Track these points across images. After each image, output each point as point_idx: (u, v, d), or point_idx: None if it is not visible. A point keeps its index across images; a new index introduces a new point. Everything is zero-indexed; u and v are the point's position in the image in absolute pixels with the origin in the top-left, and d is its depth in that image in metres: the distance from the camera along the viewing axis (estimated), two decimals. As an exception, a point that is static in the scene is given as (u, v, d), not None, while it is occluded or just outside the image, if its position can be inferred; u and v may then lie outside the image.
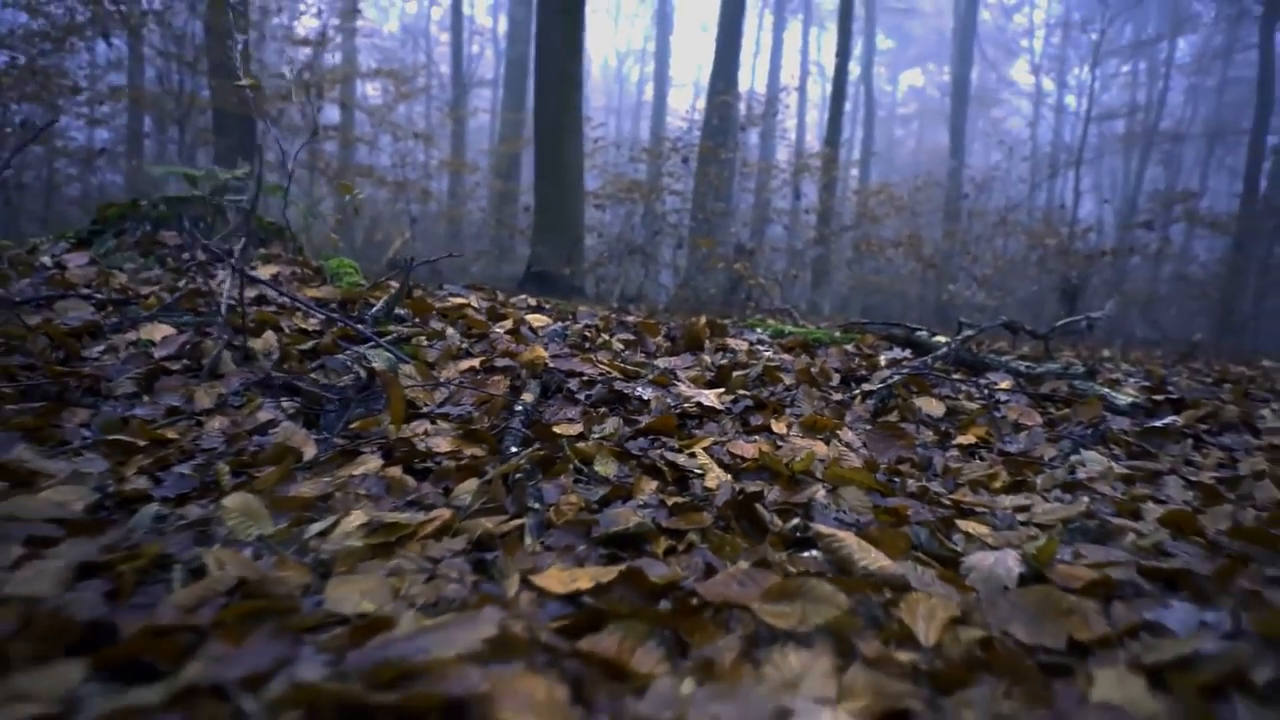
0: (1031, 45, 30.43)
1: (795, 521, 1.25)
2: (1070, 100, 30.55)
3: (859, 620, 0.91)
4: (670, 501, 1.30)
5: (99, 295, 2.32)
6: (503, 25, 28.61)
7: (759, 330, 3.18)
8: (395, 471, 1.37)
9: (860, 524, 1.27)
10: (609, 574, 0.98)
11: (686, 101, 35.26)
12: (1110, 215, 28.85)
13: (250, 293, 2.52)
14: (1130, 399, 2.29)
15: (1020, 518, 1.38)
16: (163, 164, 12.12)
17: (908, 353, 2.91)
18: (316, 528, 1.15)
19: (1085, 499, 1.50)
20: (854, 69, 26.50)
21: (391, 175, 12.33)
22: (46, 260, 2.83)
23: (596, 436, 1.63)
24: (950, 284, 10.18)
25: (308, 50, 10.83)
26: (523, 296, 3.58)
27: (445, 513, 1.19)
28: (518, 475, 1.34)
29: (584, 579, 0.98)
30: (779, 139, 19.82)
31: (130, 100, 11.92)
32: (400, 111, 14.47)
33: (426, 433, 1.58)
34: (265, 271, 2.96)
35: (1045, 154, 27.76)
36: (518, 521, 1.19)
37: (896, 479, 1.57)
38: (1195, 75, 28.34)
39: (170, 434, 1.55)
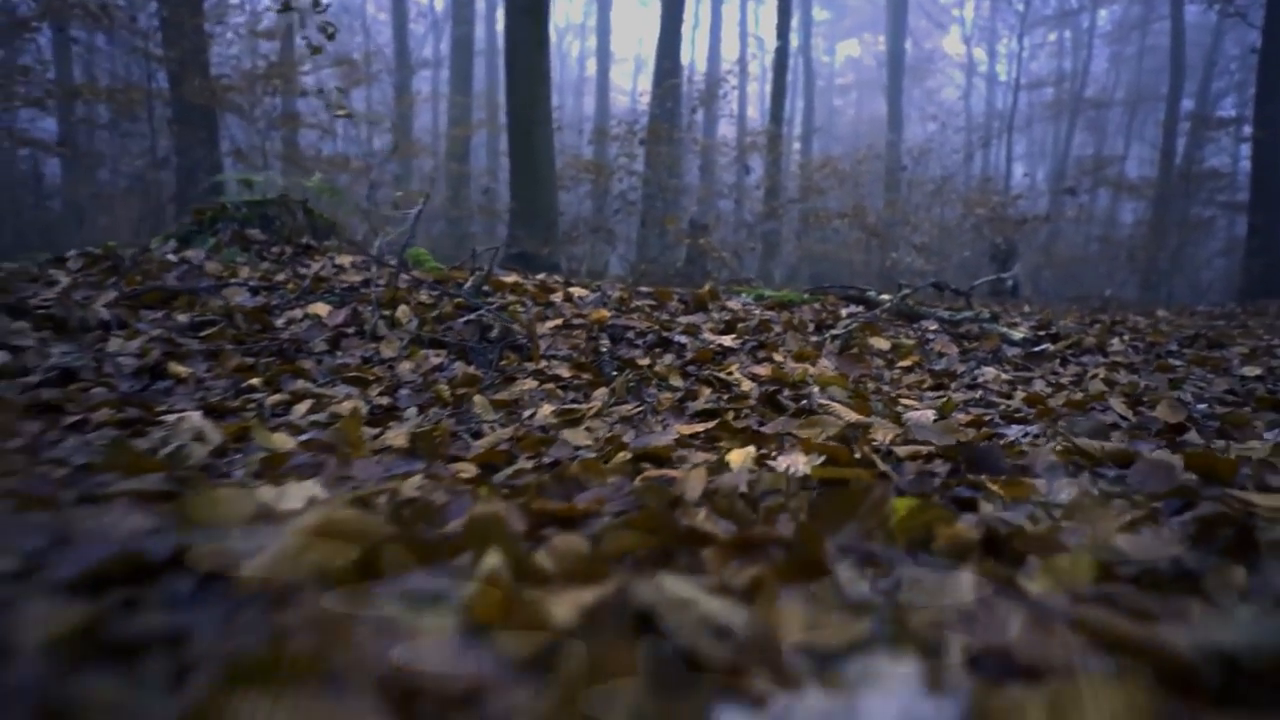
0: (963, 16, 31.74)
1: (804, 403, 2.12)
2: (1001, 70, 32.01)
3: (847, 435, 1.79)
4: (724, 397, 2.16)
5: (250, 283, 3.08)
6: (439, 2, 28.88)
7: (744, 295, 4.06)
8: (550, 386, 2.20)
9: (838, 400, 2.15)
10: (711, 424, 1.84)
11: (628, 76, 35.93)
12: (1041, 181, 30.47)
13: (360, 275, 3.30)
14: (1021, 335, 3.23)
15: (941, 400, 2.27)
16: (124, 155, 12.50)
17: (861, 308, 3.81)
18: (526, 413, 1.98)
19: (979, 391, 2.41)
20: (793, 40, 27.40)
21: (354, 160, 12.91)
22: (171, 257, 3.56)
23: (662, 365, 2.48)
24: (893, 252, 11.21)
25: (271, 42, 11.31)
26: (541, 275, 4.40)
27: (596, 404, 2.03)
28: (630, 384, 2.19)
29: (698, 427, 1.83)
30: (723, 114, 20.70)
31: (87, 93, 12.23)
32: (353, 96, 14.95)
33: (549, 366, 2.42)
34: (343, 259, 3.74)
35: (979, 123, 29.21)
36: (640, 408, 2.04)
37: (860, 385, 2.45)
38: (1116, 44, 29.98)
39: (378, 373, 2.36)
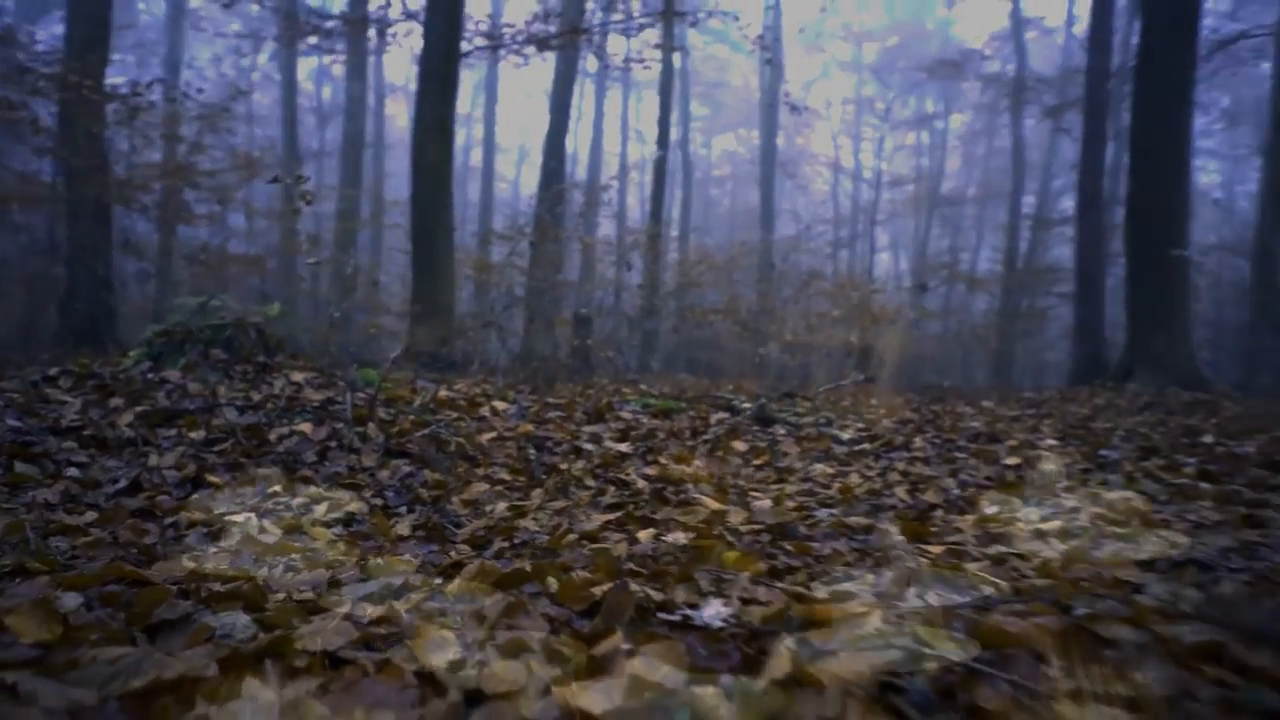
0: (829, 115, 34.70)
1: (682, 496, 3.08)
2: (867, 165, 35.04)
3: (711, 519, 2.75)
4: (625, 493, 3.10)
5: (236, 403, 3.85)
6: (327, 91, 29.65)
7: (633, 403, 5.06)
8: (498, 487, 3.10)
9: (706, 494, 3.13)
10: (619, 514, 2.77)
11: (512, 165, 37.37)
12: (903, 271, 33.20)
13: (320, 395, 4.11)
14: (848, 435, 4.33)
15: (777, 490, 3.28)
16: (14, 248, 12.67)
17: (728, 414, 4.86)
18: (488, 508, 2.86)
19: (809, 483, 3.44)
20: (673, 133, 29.36)
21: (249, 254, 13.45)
22: (151, 376, 4.28)
23: (577, 468, 3.41)
24: (761, 348, 12.52)
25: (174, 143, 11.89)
26: (462, 386, 5.28)
27: (535, 501, 2.94)
28: (557, 486, 3.11)
29: (610, 516, 2.76)
30: (604, 205, 22.10)
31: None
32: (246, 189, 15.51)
33: (494, 471, 3.31)
34: (297, 376, 4.54)
35: (845, 217, 31.78)
36: (567, 503, 2.95)
37: (723, 479, 3.45)
38: (968, 145, 33.43)
39: (362, 479, 3.19)
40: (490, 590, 1.50)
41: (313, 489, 3.02)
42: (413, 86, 32.56)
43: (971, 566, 1.93)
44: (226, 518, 2.62)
